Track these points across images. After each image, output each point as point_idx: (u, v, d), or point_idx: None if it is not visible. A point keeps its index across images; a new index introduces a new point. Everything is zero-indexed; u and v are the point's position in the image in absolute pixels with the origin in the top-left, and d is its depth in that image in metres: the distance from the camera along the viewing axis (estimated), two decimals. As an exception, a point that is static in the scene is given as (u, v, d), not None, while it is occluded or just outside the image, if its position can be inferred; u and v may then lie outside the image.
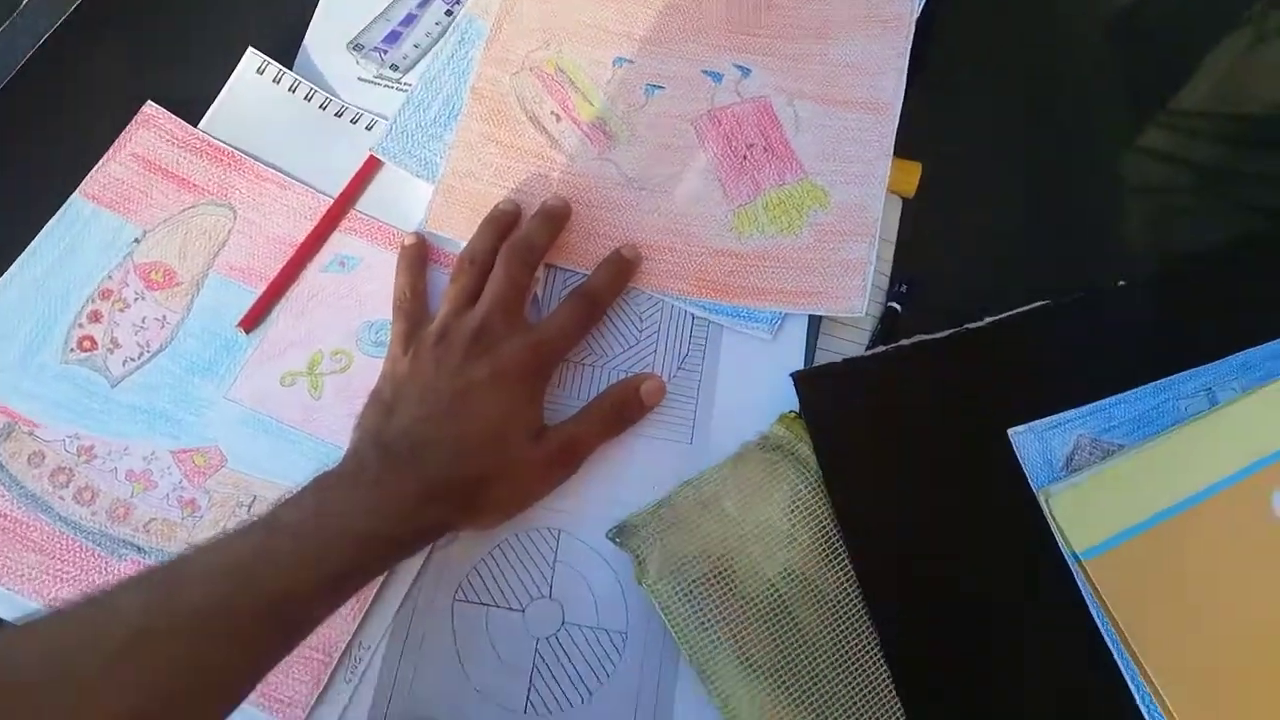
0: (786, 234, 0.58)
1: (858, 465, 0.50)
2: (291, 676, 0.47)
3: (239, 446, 0.53)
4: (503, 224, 0.55)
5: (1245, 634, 0.48)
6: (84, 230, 0.57)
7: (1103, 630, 0.49)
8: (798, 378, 0.52)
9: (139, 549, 0.51)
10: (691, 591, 0.47)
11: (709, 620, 0.47)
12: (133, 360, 0.55)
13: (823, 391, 0.51)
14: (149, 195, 0.58)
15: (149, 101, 0.60)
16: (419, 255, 0.56)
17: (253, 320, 0.56)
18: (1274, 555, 0.50)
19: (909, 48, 0.63)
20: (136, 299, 0.56)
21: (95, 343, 0.55)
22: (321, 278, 0.58)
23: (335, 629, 0.48)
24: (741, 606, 0.47)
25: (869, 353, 0.53)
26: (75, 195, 0.58)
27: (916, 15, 0.64)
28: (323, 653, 0.48)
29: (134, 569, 0.50)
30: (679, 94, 0.62)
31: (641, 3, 0.65)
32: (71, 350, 0.55)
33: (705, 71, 0.63)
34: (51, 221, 0.57)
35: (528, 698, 0.47)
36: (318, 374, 0.55)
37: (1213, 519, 0.50)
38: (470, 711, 0.47)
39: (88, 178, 0.58)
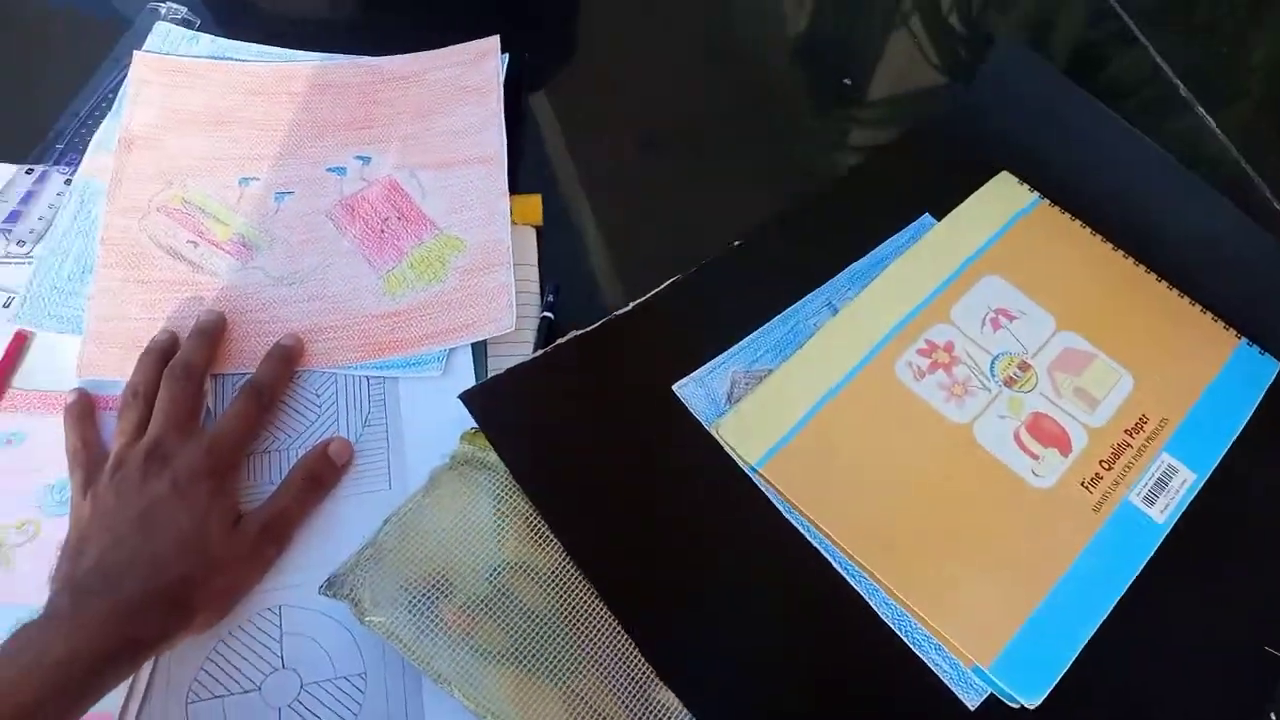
0: (434, 283, 0.62)
1: (541, 456, 0.54)
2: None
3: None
4: (161, 353, 0.57)
5: (907, 485, 0.55)
6: None
7: (796, 524, 0.54)
8: (466, 397, 0.55)
9: None
10: (413, 612, 0.49)
11: (437, 632, 0.48)
12: None
13: (493, 401, 0.55)
14: None
15: None
16: (83, 409, 0.57)
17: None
18: (908, 413, 0.57)
19: (501, 105, 0.69)
20: None
21: None
22: (-11, 462, 0.57)
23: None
24: (468, 611, 0.49)
25: (529, 358, 0.58)
26: None
27: (502, 77, 0.71)
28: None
29: None
30: (308, 193, 0.67)
31: (255, 127, 0.69)
32: None
33: (329, 169, 0.68)
34: None
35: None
36: (7, 548, 0.54)
37: (853, 400, 0.57)
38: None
39: None
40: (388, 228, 0.65)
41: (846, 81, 0.77)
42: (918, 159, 0.70)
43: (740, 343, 0.60)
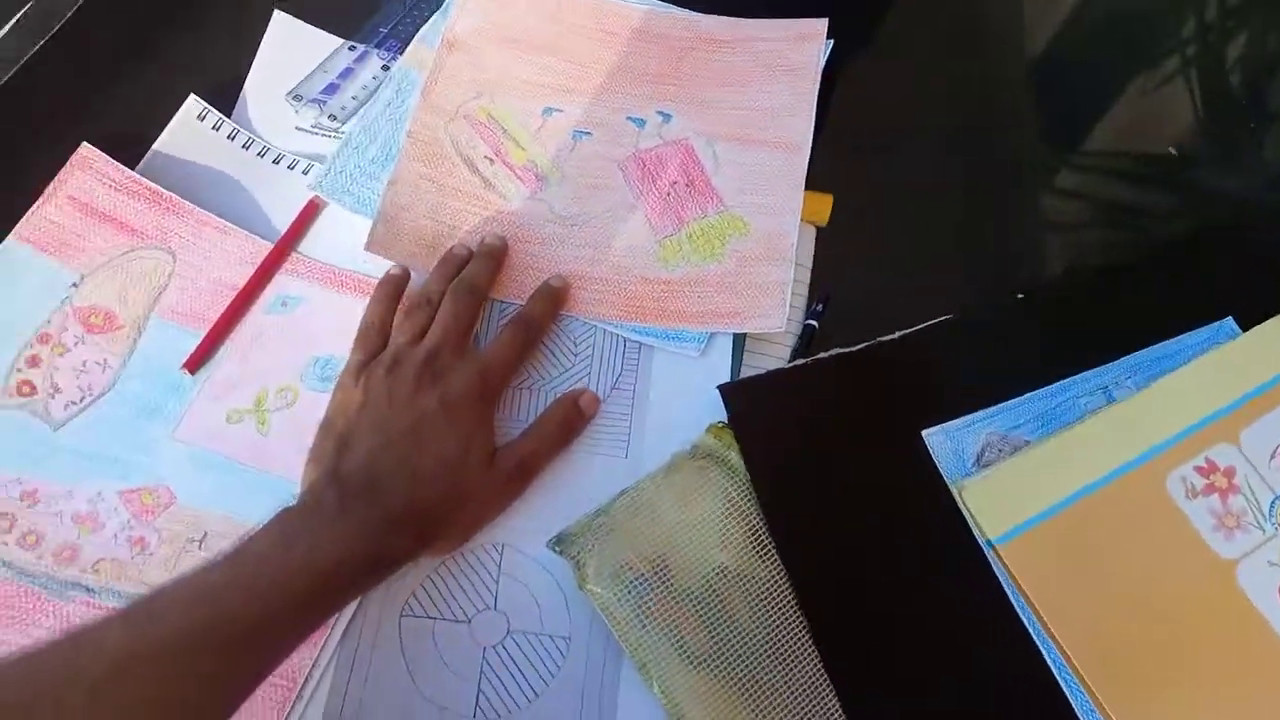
0: (710, 261, 0.61)
1: (782, 468, 0.53)
2: (257, 703, 0.48)
3: (188, 484, 0.54)
4: (454, 265, 0.58)
5: (1150, 606, 0.52)
6: (20, 274, 0.58)
7: (1020, 611, 0.52)
8: (724, 390, 0.55)
9: (88, 589, 0.51)
10: (630, 591, 0.49)
11: (648, 617, 0.49)
12: (74, 404, 0.56)
13: (748, 402, 0.54)
14: (86, 239, 0.60)
15: (84, 144, 0.62)
16: (396, 288, 0.58)
17: (196, 362, 0.57)
18: (1170, 532, 0.53)
19: (816, 93, 0.67)
20: (76, 343, 0.57)
21: (34, 387, 0.56)
22: (265, 319, 0.60)
23: (299, 655, 0.49)
24: (678, 602, 0.49)
25: (790, 365, 0.57)
26: (9, 239, 0.59)
27: (822, 64, 0.68)
28: (287, 679, 0.49)
29: (84, 610, 0.51)
30: (605, 139, 0.66)
31: (570, 59, 0.69)
32: (10, 396, 0.55)
33: (629, 118, 0.67)
34: (-13, 265, 0.58)
35: (476, 703, 0.49)
36: (264, 411, 0.57)
37: (1114, 502, 0.54)
38: (420, 718, 0.48)
39: (23, 221, 0.60)
40: (674, 192, 0.64)
41: (1172, 151, 0.72)
42: (1233, 254, 0.64)
43: (1001, 404, 0.58)
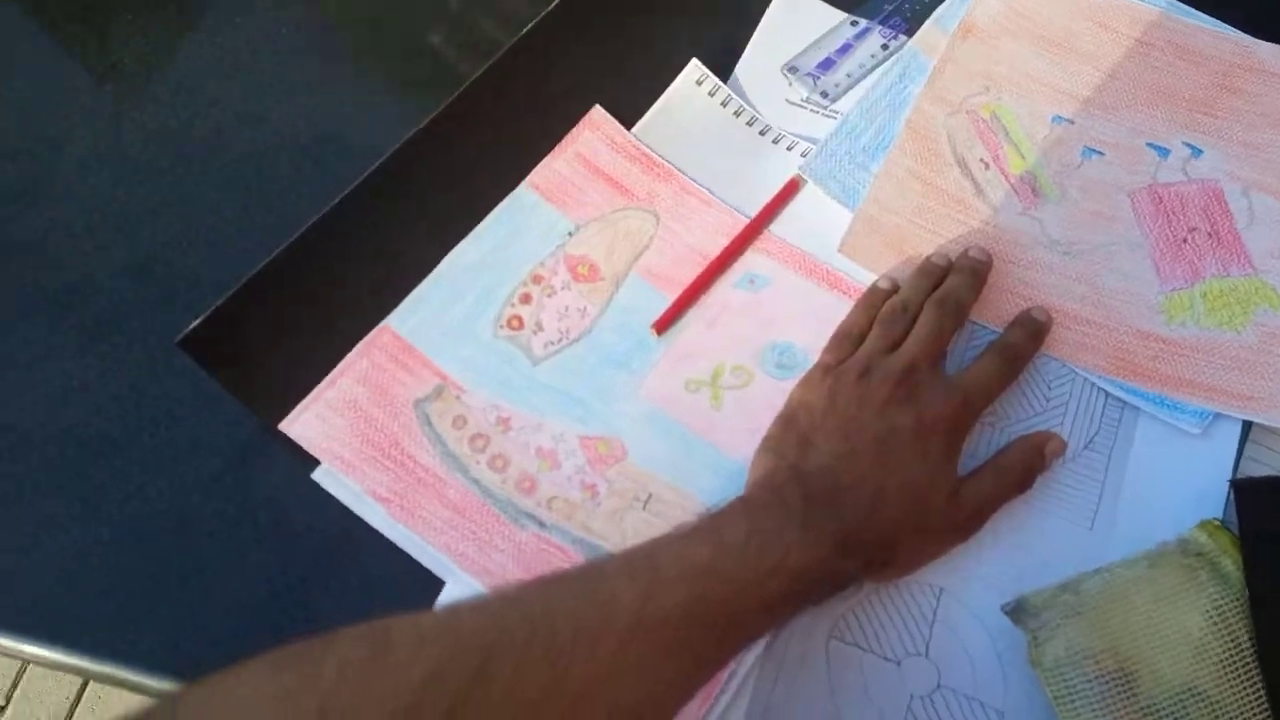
0: (1226, 329, 0.54)
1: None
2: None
3: (641, 442, 0.56)
4: (935, 276, 0.55)
5: None
6: (527, 215, 0.62)
7: None
8: (1239, 487, 0.48)
9: (540, 523, 0.54)
10: (1091, 688, 0.45)
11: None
12: (553, 344, 0.59)
13: (1265, 505, 0.48)
14: (585, 193, 0.62)
15: (596, 106, 0.64)
16: (880, 297, 0.56)
17: (665, 323, 0.58)
18: None
19: None
20: (563, 288, 0.60)
21: (523, 322, 0.59)
22: (732, 293, 0.60)
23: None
24: (1141, 714, 0.45)
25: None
26: (523, 185, 0.63)
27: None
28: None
29: (534, 541, 0.54)
30: (1118, 162, 0.60)
31: (1092, 64, 0.63)
32: (502, 327, 0.59)
33: (1150, 144, 0.60)
34: (501, 205, 0.62)
35: (897, 752, 0.47)
36: (719, 386, 0.57)
37: None
38: (839, 751, 0.47)
39: (535, 170, 0.63)
40: (1191, 240, 0.57)
41: None
42: None
43: None
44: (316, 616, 0.54)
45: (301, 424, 0.56)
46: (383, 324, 0.59)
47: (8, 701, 1.46)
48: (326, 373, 0.58)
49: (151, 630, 0.54)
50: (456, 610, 0.41)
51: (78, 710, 1.45)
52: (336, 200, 0.60)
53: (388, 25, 0.72)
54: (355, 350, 0.58)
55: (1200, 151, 0.60)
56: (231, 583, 0.54)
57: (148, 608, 0.54)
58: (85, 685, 1.45)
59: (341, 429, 0.56)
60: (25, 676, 1.47)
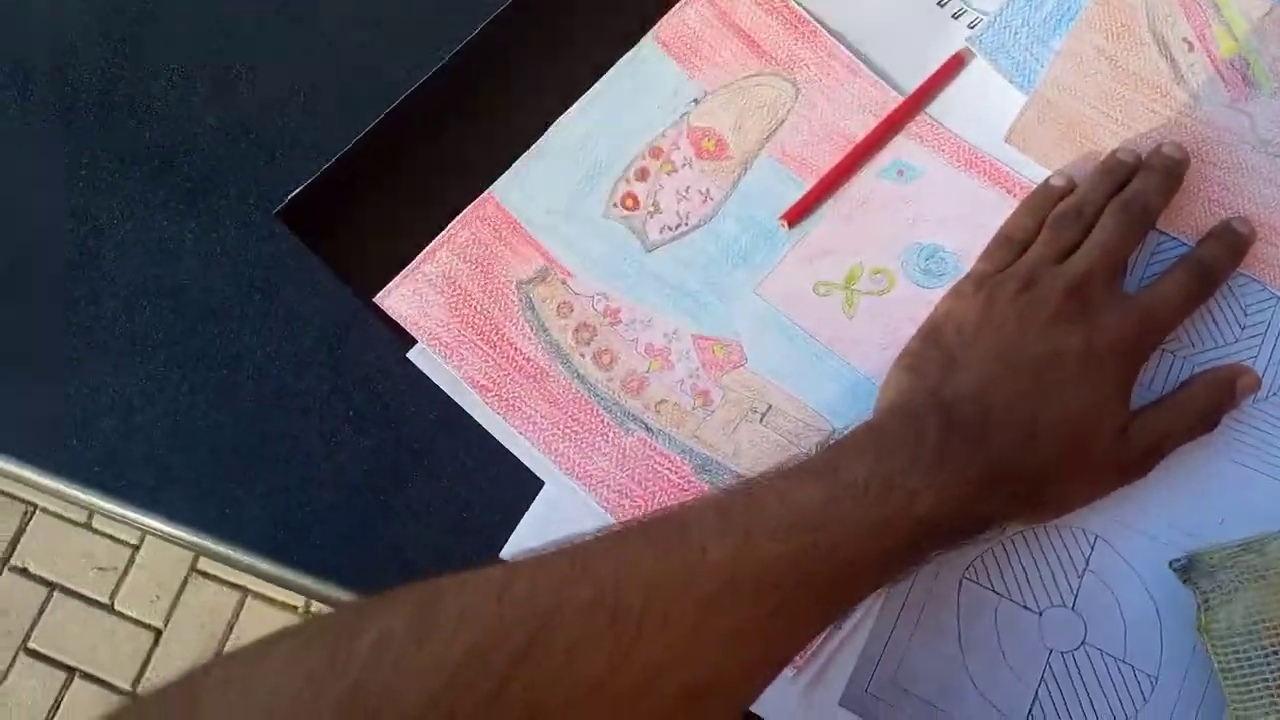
0: None
1: None
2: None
3: (761, 348, 0.50)
4: (1120, 175, 0.47)
5: None
6: (649, 76, 0.55)
7: None
8: None
9: (647, 428, 0.50)
10: (1268, 663, 0.39)
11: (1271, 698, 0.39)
12: (670, 229, 0.53)
13: None
14: (716, 52, 0.56)
15: (734, -52, 0.56)
16: (1049, 197, 0.49)
17: (797, 215, 0.52)
18: None
19: None
20: (684, 165, 0.54)
21: (638, 202, 0.53)
22: (876, 183, 0.53)
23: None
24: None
25: None
26: (648, 38, 0.56)
27: None
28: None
29: (640, 446, 0.49)
30: (1358, 47, 0.50)
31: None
32: (614, 206, 0.54)
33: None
34: (621, 61, 0.56)
35: (1029, 712, 0.42)
36: (854, 290, 0.51)
37: None
38: (964, 704, 0.43)
39: (662, 21, 0.56)
40: None
41: None
42: None
43: None
44: (411, 507, 0.51)
45: (396, 298, 0.53)
46: (486, 193, 0.54)
47: (129, 566, 1.52)
48: (426, 245, 0.53)
49: (253, 506, 0.52)
50: (515, 569, 0.35)
51: (188, 582, 1.51)
52: (439, 65, 0.55)
53: None
54: (457, 220, 0.54)
55: None
56: (326, 464, 0.52)
57: (248, 483, 0.52)
58: (196, 559, 1.50)
59: (439, 306, 0.52)
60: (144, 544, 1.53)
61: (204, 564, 1.49)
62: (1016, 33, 0.53)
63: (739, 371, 0.50)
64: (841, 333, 0.50)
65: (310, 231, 0.54)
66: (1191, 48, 0.52)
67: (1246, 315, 0.47)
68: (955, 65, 0.54)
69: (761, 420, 0.49)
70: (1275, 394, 0.46)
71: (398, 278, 0.53)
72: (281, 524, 0.51)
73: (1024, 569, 0.45)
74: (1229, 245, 0.47)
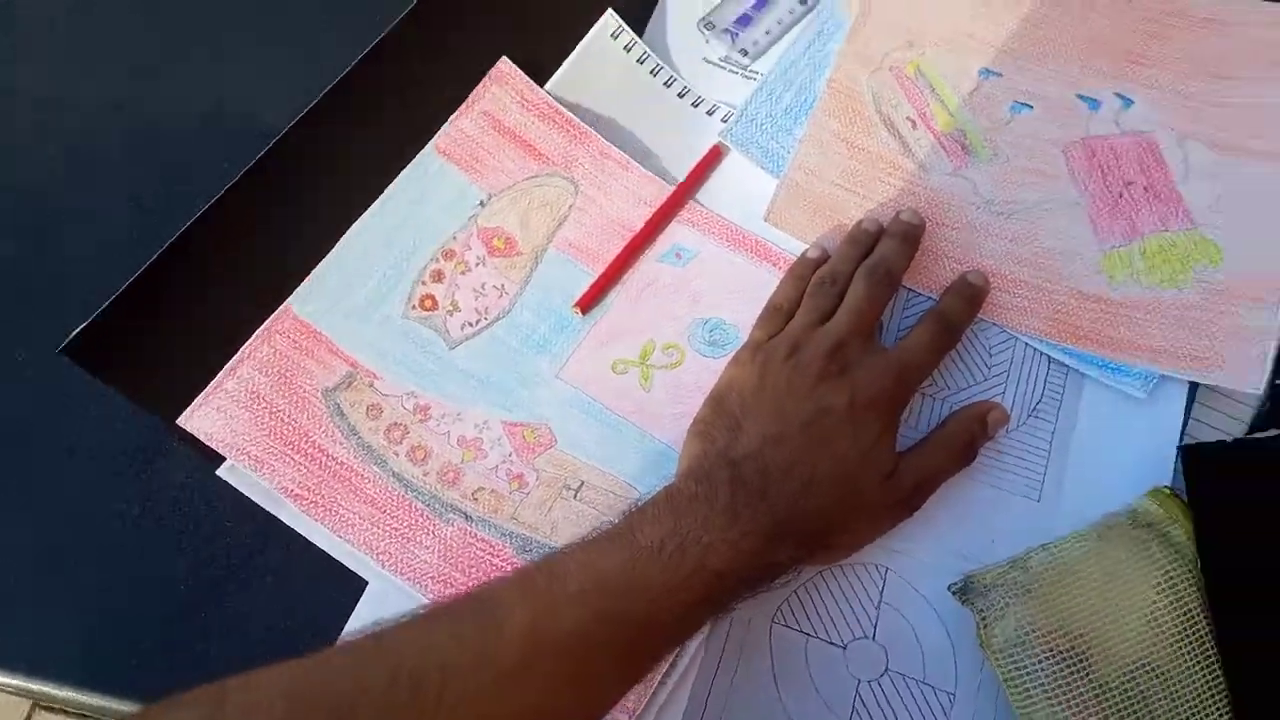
0: (1167, 286, 0.53)
1: (1242, 556, 0.45)
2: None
3: (569, 428, 0.53)
4: (865, 243, 0.53)
5: None
6: (433, 184, 0.58)
7: None
8: (1188, 453, 0.47)
9: (466, 516, 0.51)
10: (1042, 667, 0.44)
11: (1057, 702, 0.43)
12: (470, 325, 0.55)
13: (1214, 471, 0.47)
14: (496, 158, 0.59)
15: (504, 58, 0.60)
16: (812, 270, 0.54)
17: (588, 302, 0.55)
18: None
19: None
20: (478, 263, 0.56)
21: (436, 302, 0.55)
22: (657, 267, 0.57)
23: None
24: (1095, 693, 0.43)
25: (1264, 435, 0.48)
26: (428, 148, 0.59)
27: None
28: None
29: (460, 535, 0.50)
30: (1049, 116, 0.58)
31: (1018, 15, 0.61)
32: (414, 307, 0.55)
33: (1080, 96, 0.58)
34: (404, 172, 0.58)
35: (845, 740, 0.45)
36: (648, 365, 0.54)
37: None
38: (786, 743, 0.45)
39: (441, 132, 0.59)
40: (1128, 194, 0.56)
41: None
42: None
43: None
44: (231, 621, 0.50)
45: (200, 418, 0.52)
46: (284, 305, 0.55)
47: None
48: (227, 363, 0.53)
49: (74, 641, 0.50)
50: (313, 661, 0.36)
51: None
52: (230, 182, 0.56)
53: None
54: (256, 336, 0.54)
55: (1131, 102, 0.58)
56: (145, 591, 0.51)
57: (64, 619, 0.51)
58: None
59: (245, 421, 0.52)
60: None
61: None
62: (761, 125, 0.59)
63: (550, 452, 0.52)
64: (641, 406, 0.53)
65: (101, 363, 0.53)
66: (915, 125, 0.58)
67: (991, 356, 0.53)
68: (715, 156, 0.59)
69: (575, 496, 0.51)
70: (1023, 423, 0.52)
71: (199, 397, 0.53)
72: (96, 652, 0.50)
73: (827, 608, 0.48)
74: (966, 297, 0.53)
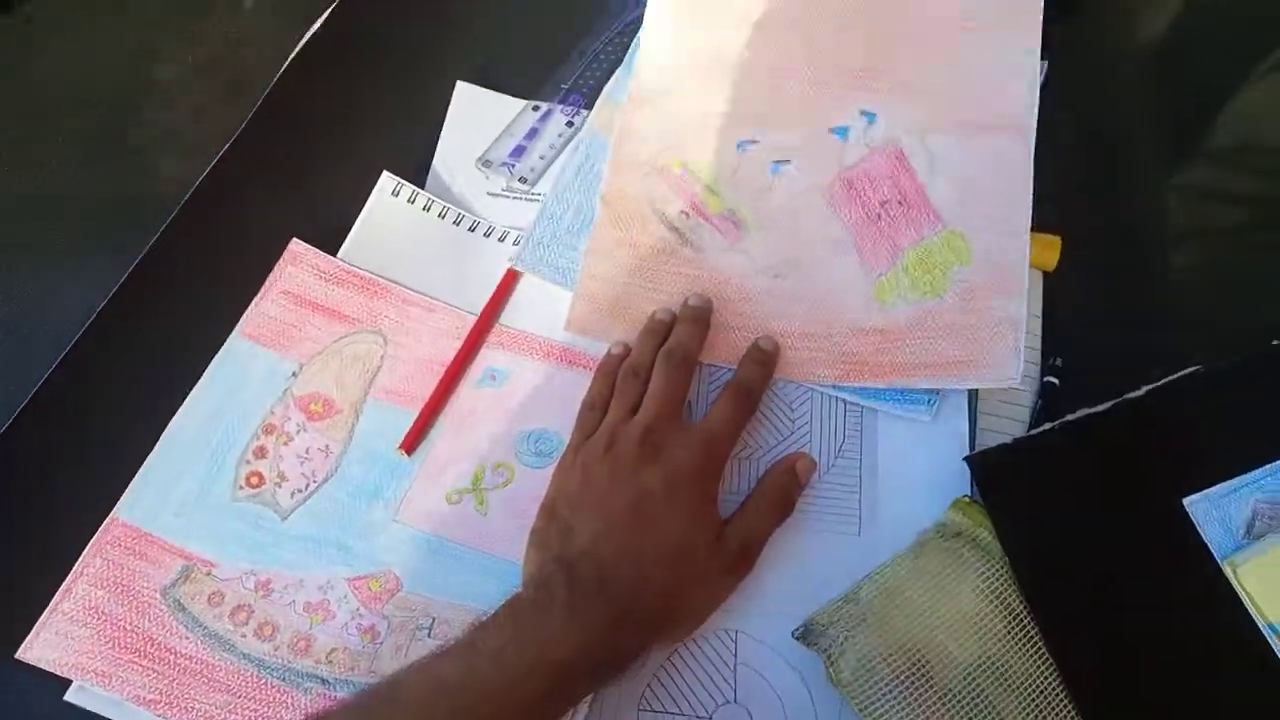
0: (930, 297, 0.57)
1: (1042, 547, 0.49)
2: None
3: (413, 569, 0.54)
4: (661, 332, 0.56)
5: None
6: (244, 368, 0.59)
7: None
8: (972, 462, 0.51)
9: (323, 680, 0.51)
10: (890, 689, 0.46)
11: (910, 718, 0.45)
12: (300, 491, 0.56)
13: (999, 474, 0.50)
14: (302, 330, 0.60)
15: (294, 239, 0.62)
16: (617, 367, 0.56)
17: (412, 441, 0.57)
18: None
19: (1038, 48, 0.61)
20: (299, 431, 0.58)
21: (263, 478, 0.56)
22: (475, 393, 0.59)
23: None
24: (942, 702, 0.46)
25: (1036, 431, 0.52)
26: (234, 334, 0.60)
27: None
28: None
29: (320, 701, 0.50)
30: (806, 164, 0.62)
31: (751, 77, 0.64)
32: (241, 488, 0.56)
33: (832, 130, 0.62)
34: (214, 362, 0.59)
35: (729, 808, 0.46)
36: (482, 489, 0.56)
37: None
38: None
39: (244, 317, 0.60)
40: (885, 214, 0.60)
41: None
42: None
43: (1267, 466, 0.52)
44: None
45: (40, 645, 0.52)
46: (110, 516, 0.55)
47: None
48: (59, 585, 0.53)
49: None
50: None
51: None
52: (26, 399, 0.56)
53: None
54: (86, 551, 0.54)
55: (874, 116, 0.62)
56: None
57: None
58: None
59: (87, 640, 0.52)
60: None
61: None
62: (548, 246, 0.63)
63: (398, 597, 0.53)
64: (481, 531, 0.55)
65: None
66: (689, 215, 0.63)
67: (793, 411, 0.57)
68: (511, 280, 0.62)
69: (429, 634, 0.52)
70: (833, 466, 0.55)
71: (36, 626, 0.52)
72: None
73: (688, 683, 0.50)
74: (759, 363, 0.56)
